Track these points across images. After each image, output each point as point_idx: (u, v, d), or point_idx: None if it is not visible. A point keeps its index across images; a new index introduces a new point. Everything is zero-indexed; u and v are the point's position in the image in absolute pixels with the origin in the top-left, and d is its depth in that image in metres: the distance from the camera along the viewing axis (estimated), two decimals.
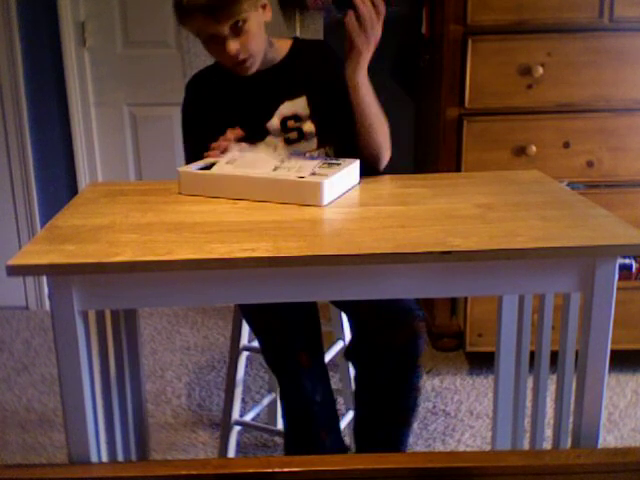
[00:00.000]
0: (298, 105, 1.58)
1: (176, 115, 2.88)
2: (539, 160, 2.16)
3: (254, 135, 1.56)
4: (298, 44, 1.64)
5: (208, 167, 1.42)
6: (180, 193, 1.40)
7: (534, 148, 2.15)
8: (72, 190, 2.90)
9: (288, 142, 1.59)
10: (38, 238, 1.15)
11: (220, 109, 1.60)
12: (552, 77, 2.11)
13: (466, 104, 2.14)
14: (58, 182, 2.93)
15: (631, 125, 2.15)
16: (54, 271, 1.06)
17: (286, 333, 1.53)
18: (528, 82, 2.11)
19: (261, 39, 1.51)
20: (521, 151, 2.16)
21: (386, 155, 1.58)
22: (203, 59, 2.74)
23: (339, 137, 1.61)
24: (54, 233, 1.18)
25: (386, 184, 1.48)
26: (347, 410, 1.88)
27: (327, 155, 1.60)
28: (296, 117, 1.58)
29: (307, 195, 1.31)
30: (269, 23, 1.53)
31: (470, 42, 2.08)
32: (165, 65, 2.83)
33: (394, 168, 1.60)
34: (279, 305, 1.51)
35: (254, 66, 1.52)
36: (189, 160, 1.59)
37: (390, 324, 1.46)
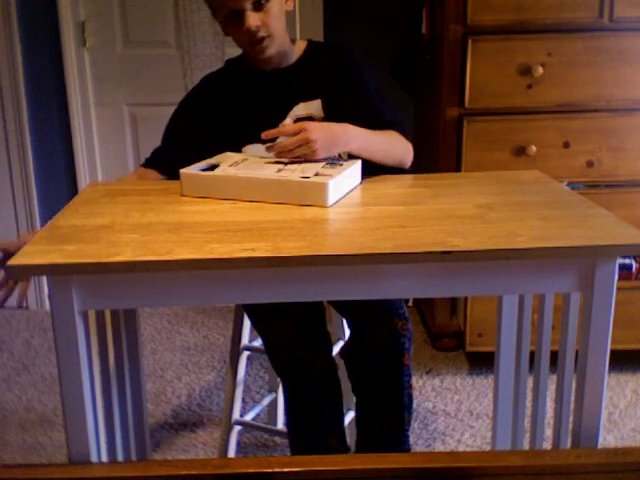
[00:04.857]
0: (313, 107, 1.58)
1: None
2: (539, 160, 2.16)
3: None
4: (312, 46, 1.63)
5: (211, 169, 1.42)
6: (183, 195, 1.40)
7: (534, 148, 2.14)
8: (72, 190, 2.90)
9: None
10: (38, 238, 1.15)
11: (234, 108, 1.60)
12: (552, 77, 2.11)
13: (466, 104, 2.14)
14: (58, 182, 2.93)
15: (631, 125, 2.14)
16: (54, 271, 1.06)
17: (298, 339, 1.53)
18: (528, 82, 2.11)
19: (281, 23, 1.51)
20: (521, 151, 2.16)
21: (408, 158, 1.59)
22: (203, 59, 2.75)
23: None
24: (54, 233, 1.18)
25: (386, 184, 1.48)
26: (347, 410, 1.88)
27: (341, 157, 1.58)
28: (310, 119, 1.56)
29: (312, 196, 1.30)
30: (290, 13, 1.54)
31: (470, 42, 2.08)
32: (165, 65, 2.83)
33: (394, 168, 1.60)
34: (285, 309, 1.52)
35: (271, 48, 1.51)
36: (157, 152, 1.61)
37: (372, 325, 1.48)
